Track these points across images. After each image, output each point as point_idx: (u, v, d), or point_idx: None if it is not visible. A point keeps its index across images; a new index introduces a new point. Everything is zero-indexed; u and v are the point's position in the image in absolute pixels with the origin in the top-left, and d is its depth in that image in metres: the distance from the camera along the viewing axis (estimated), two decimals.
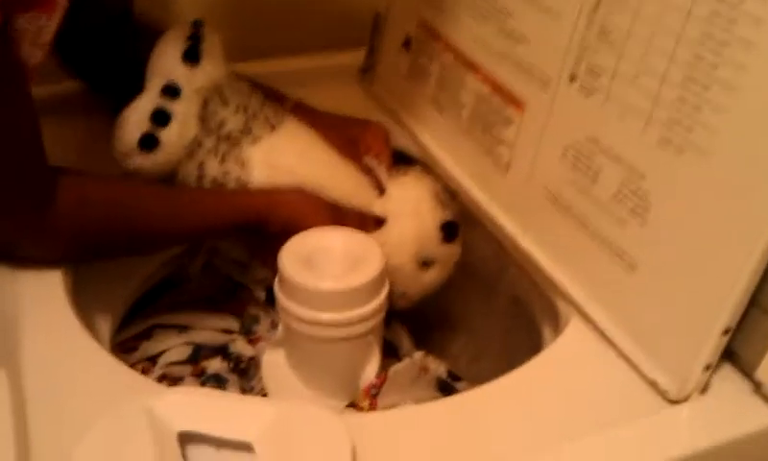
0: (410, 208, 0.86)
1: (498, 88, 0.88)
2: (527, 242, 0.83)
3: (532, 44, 0.83)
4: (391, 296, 0.80)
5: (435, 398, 0.81)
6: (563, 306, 0.79)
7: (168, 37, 0.88)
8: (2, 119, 0.69)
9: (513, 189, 0.86)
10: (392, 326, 0.94)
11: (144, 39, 0.89)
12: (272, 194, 0.83)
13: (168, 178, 0.85)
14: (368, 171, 0.90)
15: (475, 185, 0.92)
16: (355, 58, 1.19)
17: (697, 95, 0.64)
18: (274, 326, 0.91)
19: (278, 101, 0.95)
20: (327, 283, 0.75)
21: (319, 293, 0.75)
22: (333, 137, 0.91)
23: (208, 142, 0.85)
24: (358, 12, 1.20)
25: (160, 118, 0.83)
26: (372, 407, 0.76)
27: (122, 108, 0.84)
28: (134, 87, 0.86)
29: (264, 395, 0.82)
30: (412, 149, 1.02)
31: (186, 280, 0.94)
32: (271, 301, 0.81)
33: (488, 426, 0.67)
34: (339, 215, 0.83)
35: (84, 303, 0.78)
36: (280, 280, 0.77)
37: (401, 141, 1.02)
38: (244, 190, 0.84)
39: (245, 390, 0.85)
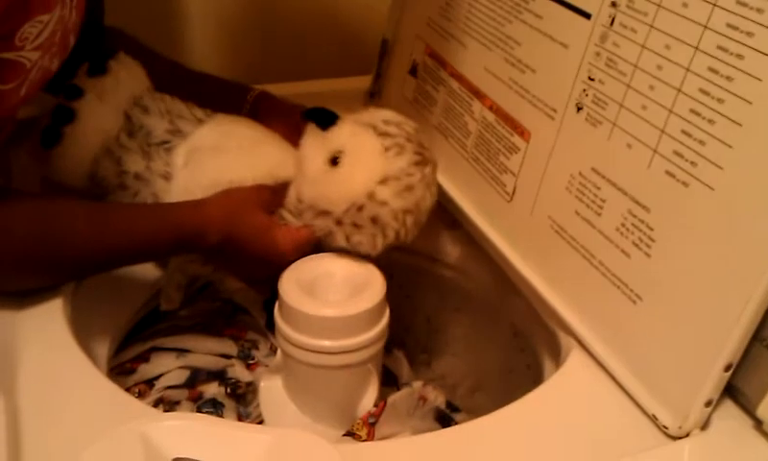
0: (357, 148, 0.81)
1: (504, 116, 0.88)
2: (529, 272, 0.82)
3: (538, 73, 0.83)
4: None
5: (433, 428, 0.81)
6: (564, 338, 0.79)
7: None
8: None
9: (516, 218, 0.85)
10: (392, 353, 0.94)
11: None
12: (201, 204, 0.81)
13: (89, 179, 0.86)
14: None
15: (479, 213, 0.91)
16: (364, 82, 1.20)
17: (702, 129, 0.64)
18: (272, 351, 0.91)
19: (241, 91, 0.98)
20: (327, 310, 0.75)
21: (318, 320, 0.74)
22: (281, 124, 0.92)
23: (130, 142, 0.85)
24: (368, 39, 1.20)
25: (62, 114, 0.86)
26: (370, 437, 0.76)
27: None
28: None
29: (261, 421, 0.82)
30: None
31: (185, 304, 0.93)
32: (270, 325, 0.80)
33: (485, 459, 0.66)
34: (270, 198, 0.83)
35: (83, 325, 0.78)
36: (280, 306, 0.77)
37: None
38: (174, 205, 0.82)
39: (242, 416, 0.85)
